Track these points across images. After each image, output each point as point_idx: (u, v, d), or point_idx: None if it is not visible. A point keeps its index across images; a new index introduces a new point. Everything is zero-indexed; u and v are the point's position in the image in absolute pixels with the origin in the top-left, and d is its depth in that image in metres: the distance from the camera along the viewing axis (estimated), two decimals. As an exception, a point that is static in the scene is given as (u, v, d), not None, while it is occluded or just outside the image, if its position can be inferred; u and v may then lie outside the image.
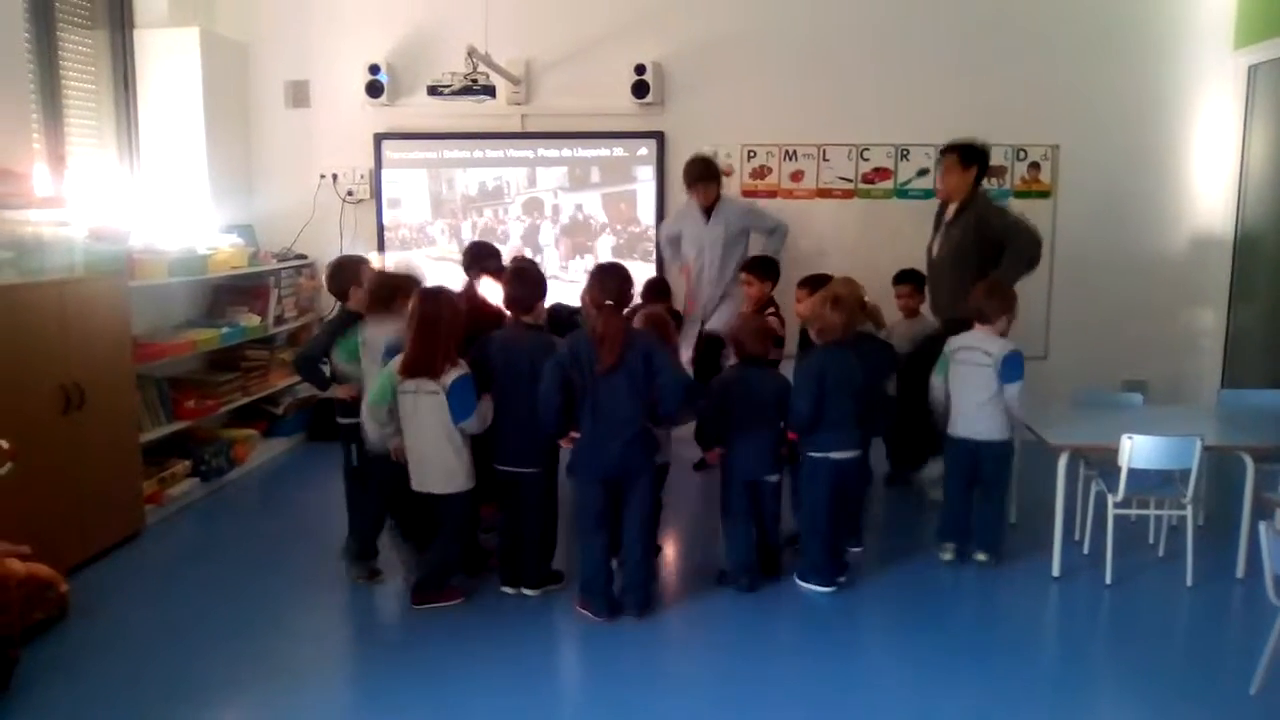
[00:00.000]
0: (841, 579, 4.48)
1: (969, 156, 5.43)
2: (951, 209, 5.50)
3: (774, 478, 4.49)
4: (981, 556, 4.72)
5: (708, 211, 6.21)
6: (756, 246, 6.33)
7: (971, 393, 4.71)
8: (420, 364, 4.08)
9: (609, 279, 4.15)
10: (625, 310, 4.18)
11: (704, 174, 6.17)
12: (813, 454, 4.42)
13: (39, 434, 4.37)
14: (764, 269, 5.70)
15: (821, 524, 4.43)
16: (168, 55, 6.39)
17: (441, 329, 4.09)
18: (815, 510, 4.46)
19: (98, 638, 3.98)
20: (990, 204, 5.46)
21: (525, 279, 4.41)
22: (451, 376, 4.09)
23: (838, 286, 4.58)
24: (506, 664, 3.80)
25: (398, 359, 4.14)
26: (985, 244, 5.28)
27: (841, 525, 4.54)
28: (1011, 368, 4.65)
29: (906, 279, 5.93)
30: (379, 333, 4.35)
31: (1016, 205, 6.75)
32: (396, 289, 4.41)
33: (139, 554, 4.93)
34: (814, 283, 5.19)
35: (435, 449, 4.15)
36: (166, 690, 3.57)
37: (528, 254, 6.85)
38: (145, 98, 6.35)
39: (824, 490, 4.42)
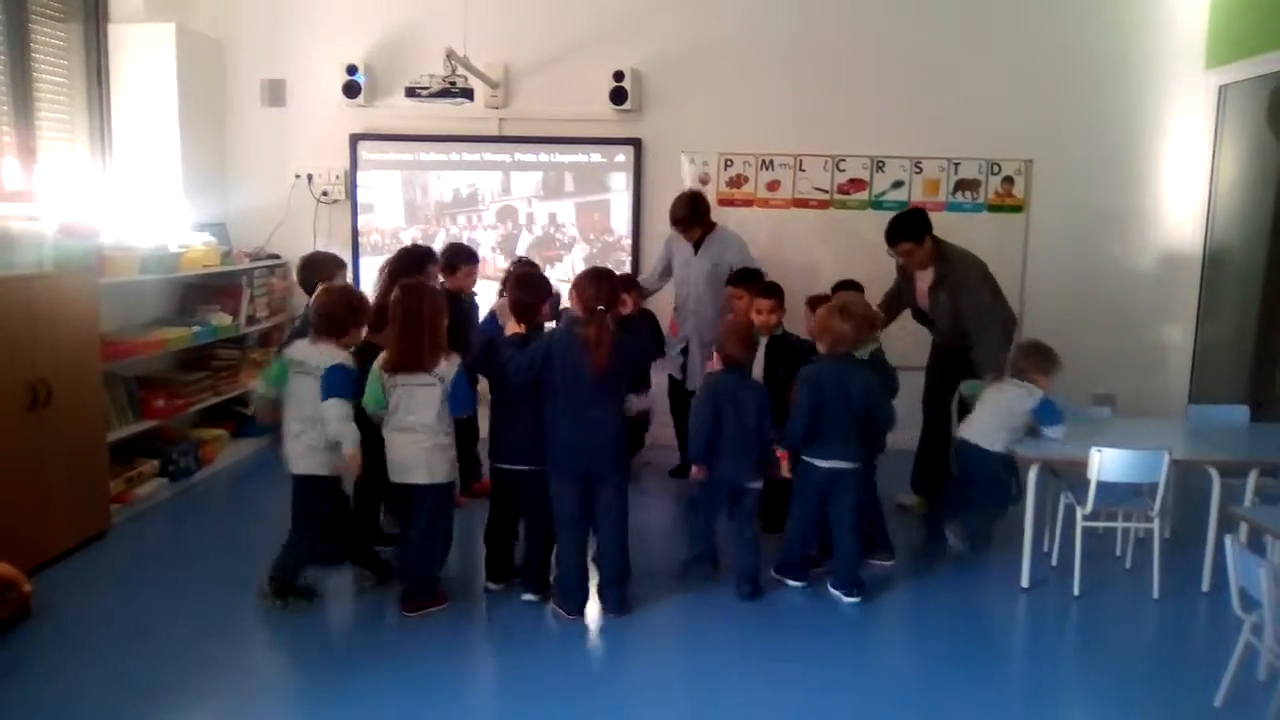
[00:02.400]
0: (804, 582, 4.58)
1: (918, 234, 5.34)
2: (928, 275, 5.46)
3: (756, 484, 4.51)
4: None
5: (698, 242, 6.03)
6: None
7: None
8: (408, 359, 4.07)
9: (602, 283, 4.19)
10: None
11: (686, 216, 5.95)
12: (804, 458, 4.47)
13: (4, 431, 4.32)
14: (752, 281, 5.64)
15: (805, 523, 4.54)
16: (142, 51, 6.32)
17: (425, 321, 4.09)
18: (801, 512, 4.56)
19: (60, 639, 3.92)
20: (967, 269, 5.37)
21: (529, 284, 4.44)
22: (451, 370, 4.11)
23: (846, 297, 4.67)
24: (481, 668, 3.78)
25: (380, 359, 4.14)
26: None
27: (817, 532, 4.62)
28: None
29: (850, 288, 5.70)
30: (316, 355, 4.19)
31: (989, 221, 6.87)
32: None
33: (104, 554, 4.87)
34: (772, 290, 5.30)
35: (423, 439, 4.11)
36: (129, 693, 3.52)
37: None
38: (118, 93, 6.27)
39: (810, 495, 4.50)
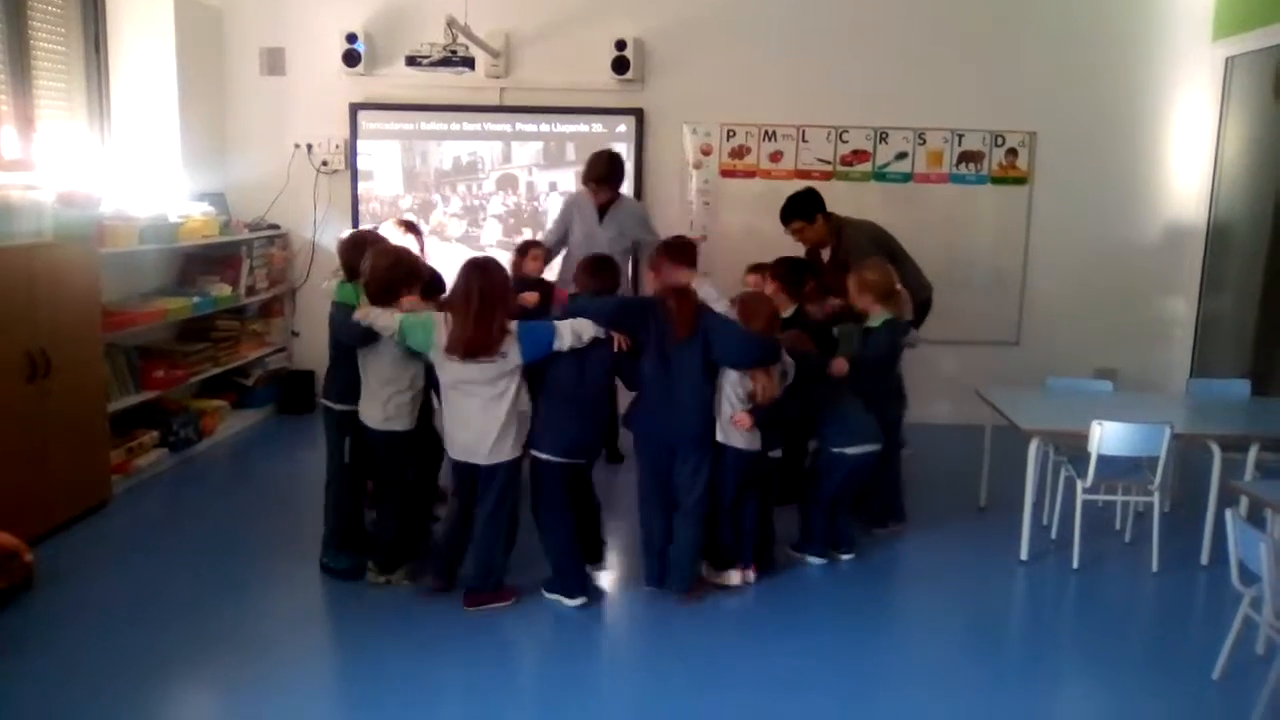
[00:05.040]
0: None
1: (809, 213, 5.52)
2: (826, 252, 5.62)
3: (774, 453, 4.43)
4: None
5: (602, 209, 5.78)
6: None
7: None
8: (480, 345, 3.84)
9: (680, 255, 4.24)
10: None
11: (608, 175, 5.70)
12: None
13: (4, 402, 4.32)
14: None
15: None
16: (140, 18, 6.26)
17: (499, 305, 3.91)
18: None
19: (62, 608, 3.93)
20: (856, 235, 5.51)
21: (602, 270, 4.37)
22: (512, 340, 3.91)
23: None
24: (478, 645, 3.80)
25: (440, 330, 3.92)
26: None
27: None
28: None
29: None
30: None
31: (993, 193, 6.86)
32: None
33: (105, 524, 4.87)
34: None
35: (486, 417, 3.91)
36: (130, 662, 3.53)
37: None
38: (117, 61, 6.22)
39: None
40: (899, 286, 4.68)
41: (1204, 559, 4.61)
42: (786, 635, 3.91)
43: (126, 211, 5.60)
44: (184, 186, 6.47)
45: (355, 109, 6.99)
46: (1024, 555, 4.64)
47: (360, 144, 7.02)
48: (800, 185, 6.80)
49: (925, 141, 6.90)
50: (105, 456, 5.10)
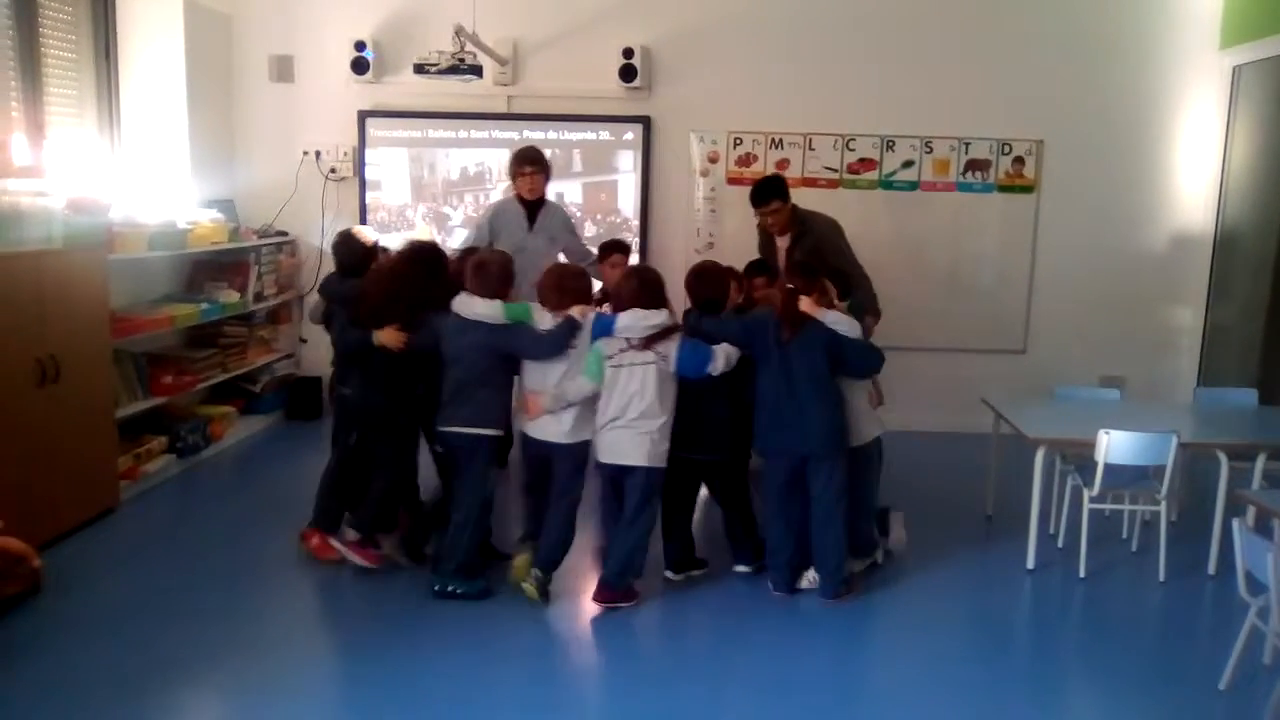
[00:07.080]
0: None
1: (785, 193, 5.47)
2: (787, 238, 5.53)
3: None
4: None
5: (531, 216, 5.66)
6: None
7: None
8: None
9: (809, 271, 4.30)
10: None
11: (539, 157, 5.65)
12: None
13: (13, 407, 4.33)
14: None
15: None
16: (150, 26, 6.30)
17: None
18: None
19: (70, 614, 3.94)
20: (825, 226, 5.49)
21: (715, 279, 4.43)
22: (675, 340, 4.09)
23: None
24: (494, 650, 3.80)
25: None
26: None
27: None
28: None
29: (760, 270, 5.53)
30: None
31: (999, 201, 6.86)
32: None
33: (113, 530, 4.89)
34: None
35: (641, 420, 4.02)
36: (138, 667, 3.54)
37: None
38: (127, 68, 6.26)
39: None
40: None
41: (1211, 568, 4.60)
42: (789, 640, 3.91)
43: (136, 218, 5.62)
44: (193, 193, 6.51)
45: (363, 116, 7.02)
46: (1030, 564, 4.64)
47: (369, 152, 7.05)
48: (809, 193, 6.88)
49: (932, 150, 6.91)
50: (113, 462, 5.11)
